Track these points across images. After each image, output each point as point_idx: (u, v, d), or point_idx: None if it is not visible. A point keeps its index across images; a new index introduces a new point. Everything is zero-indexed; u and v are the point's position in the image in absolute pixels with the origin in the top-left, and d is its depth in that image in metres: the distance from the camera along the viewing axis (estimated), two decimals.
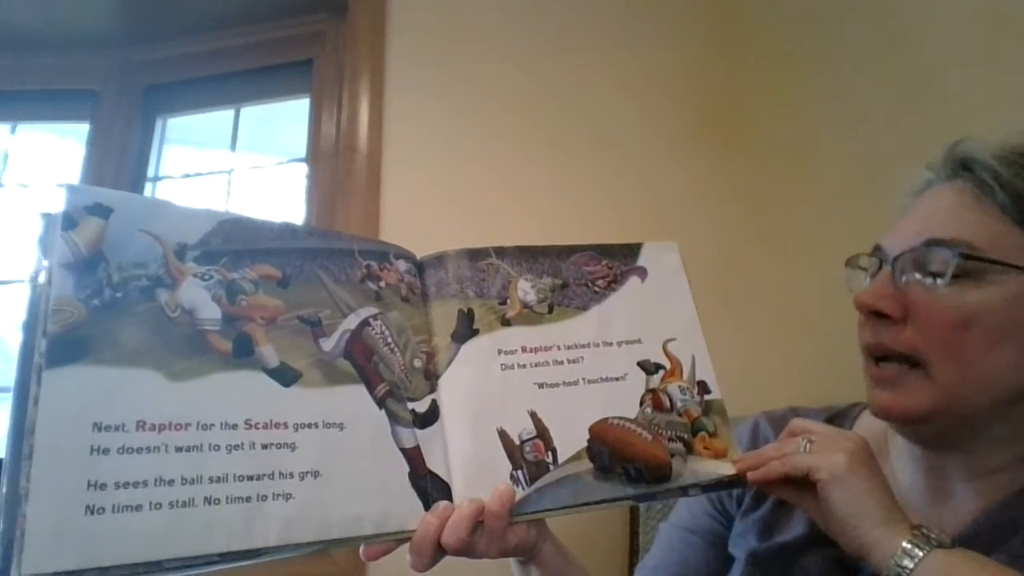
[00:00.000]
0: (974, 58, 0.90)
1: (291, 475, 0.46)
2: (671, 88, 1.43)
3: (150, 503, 0.40)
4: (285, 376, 0.48)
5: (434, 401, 0.54)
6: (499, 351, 0.56)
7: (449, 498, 0.51)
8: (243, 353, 0.47)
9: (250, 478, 0.44)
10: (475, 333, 0.56)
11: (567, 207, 1.33)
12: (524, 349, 0.57)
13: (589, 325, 0.59)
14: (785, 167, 1.30)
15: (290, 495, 0.45)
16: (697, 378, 0.59)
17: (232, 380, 0.46)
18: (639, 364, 0.58)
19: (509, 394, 0.55)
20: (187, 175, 1.65)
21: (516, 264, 0.59)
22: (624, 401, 0.57)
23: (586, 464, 0.53)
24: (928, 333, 0.51)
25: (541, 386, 0.56)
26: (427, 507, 0.50)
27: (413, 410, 0.53)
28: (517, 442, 0.53)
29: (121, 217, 0.45)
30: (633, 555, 1.14)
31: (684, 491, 0.55)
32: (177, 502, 0.41)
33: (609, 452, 0.54)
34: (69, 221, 0.43)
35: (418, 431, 0.52)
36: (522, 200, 1.33)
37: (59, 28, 1.57)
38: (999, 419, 0.52)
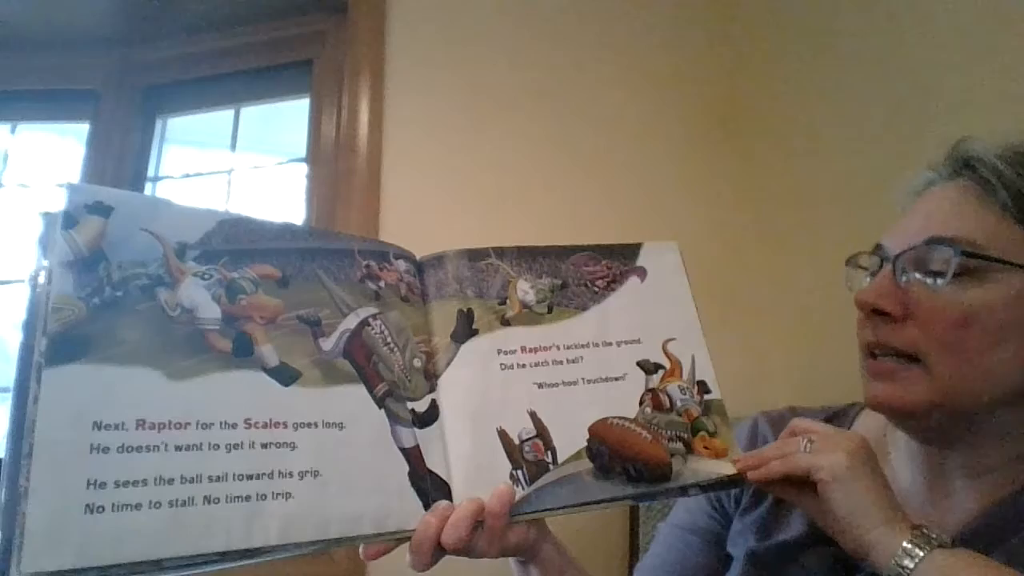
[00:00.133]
0: (974, 58, 0.90)
1: (291, 474, 0.46)
2: (671, 88, 1.43)
3: (150, 502, 0.40)
4: (285, 375, 0.48)
5: (434, 401, 0.54)
6: (498, 351, 0.56)
7: (449, 498, 0.51)
8: (243, 352, 0.47)
9: (250, 477, 0.44)
10: (474, 333, 0.56)
11: (567, 207, 1.33)
12: (523, 349, 0.57)
13: (589, 325, 0.59)
14: (785, 167, 1.30)
15: (290, 494, 0.45)
16: (697, 378, 0.59)
17: (232, 379, 0.46)
18: (639, 364, 0.58)
19: (509, 394, 0.55)
20: (187, 175, 1.65)
21: (515, 264, 0.59)
22: (624, 401, 0.57)
23: (586, 464, 0.53)
24: (929, 331, 0.51)
25: (541, 386, 0.56)
26: (427, 507, 0.50)
27: (413, 410, 0.53)
28: (517, 442, 0.53)
29: (122, 216, 0.45)
30: (633, 555, 1.14)
31: (684, 491, 0.54)
32: (177, 501, 0.41)
33: (609, 452, 0.54)
34: (70, 219, 0.43)
35: (418, 431, 0.52)
36: (522, 200, 1.33)
37: (59, 28, 1.57)
38: (998, 417, 0.52)
